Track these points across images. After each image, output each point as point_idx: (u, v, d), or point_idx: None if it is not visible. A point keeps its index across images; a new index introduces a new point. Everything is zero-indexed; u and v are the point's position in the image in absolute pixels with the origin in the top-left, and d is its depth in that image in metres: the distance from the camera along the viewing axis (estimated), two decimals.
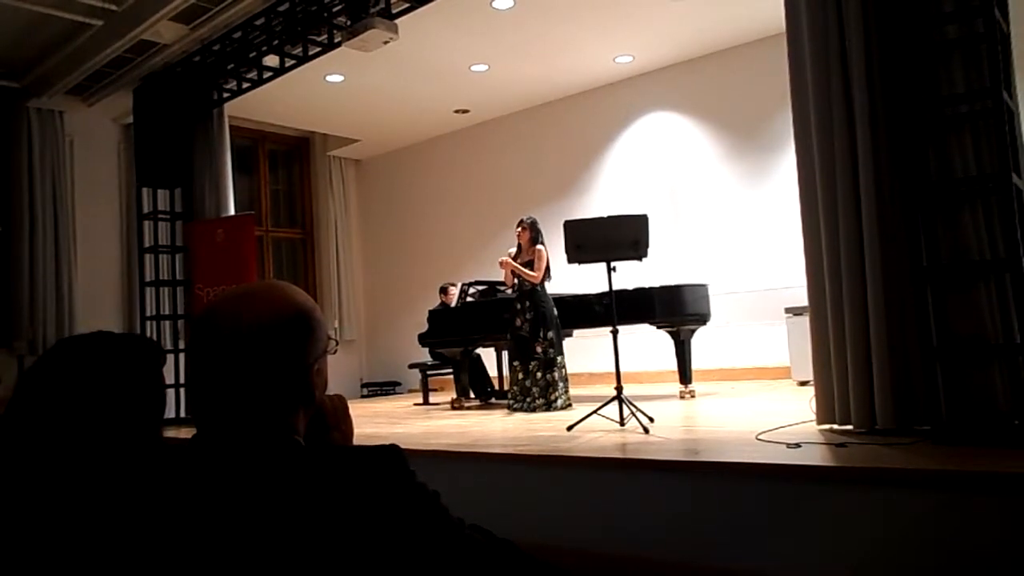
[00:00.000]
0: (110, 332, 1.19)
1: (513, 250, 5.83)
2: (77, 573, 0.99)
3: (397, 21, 5.52)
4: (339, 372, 9.21)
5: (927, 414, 3.01)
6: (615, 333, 4.45)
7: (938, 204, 3.03)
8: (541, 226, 5.81)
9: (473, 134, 9.42)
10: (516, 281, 5.70)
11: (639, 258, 4.47)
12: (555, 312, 5.66)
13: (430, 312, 6.89)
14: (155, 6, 5.71)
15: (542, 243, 5.68)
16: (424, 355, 7.55)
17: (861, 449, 2.89)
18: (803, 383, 5.76)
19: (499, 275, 5.97)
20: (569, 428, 4.12)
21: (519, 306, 5.65)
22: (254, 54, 6.40)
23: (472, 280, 7.02)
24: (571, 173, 8.55)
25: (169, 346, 6.90)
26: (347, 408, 1.16)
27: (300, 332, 1.00)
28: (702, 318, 6.02)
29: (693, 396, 5.75)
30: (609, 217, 4.70)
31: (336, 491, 0.91)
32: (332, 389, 1.12)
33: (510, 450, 3.67)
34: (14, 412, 1.11)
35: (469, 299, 6.78)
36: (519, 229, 5.77)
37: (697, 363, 6.12)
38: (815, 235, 3.44)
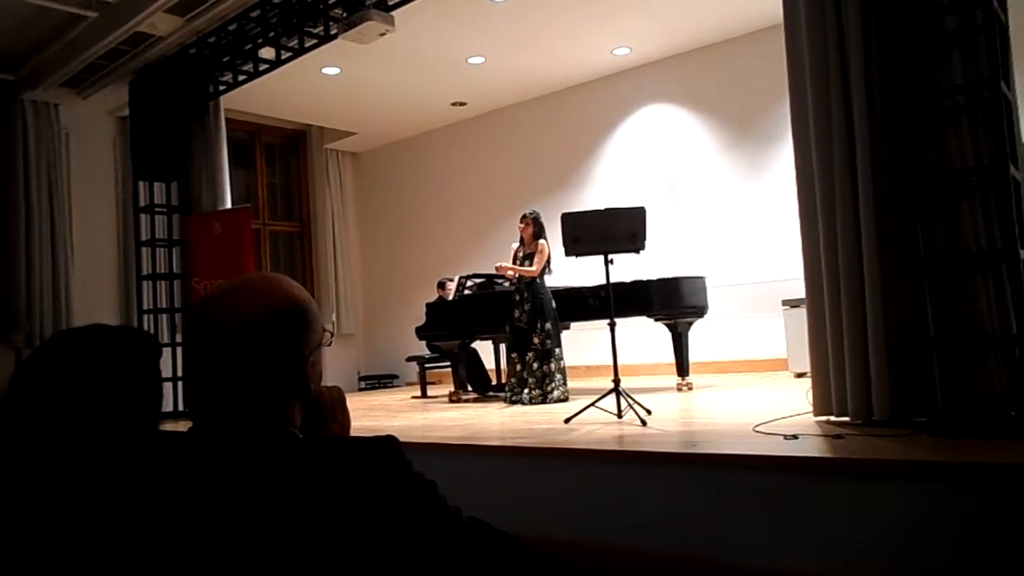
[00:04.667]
0: (106, 325, 1.19)
1: (516, 244, 5.82)
2: (74, 567, 0.99)
3: (393, 13, 5.50)
4: (337, 365, 9.22)
5: (924, 405, 3.01)
6: (612, 326, 4.46)
7: (936, 195, 3.03)
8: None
9: (470, 127, 9.39)
10: (517, 275, 5.71)
11: (636, 251, 4.47)
12: (553, 304, 5.66)
13: (428, 305, 6.89)
14: None
15: (544, 238, 5.67)
16: (422, 348, 7.55)
17: (858, 441, 2.90)
18: (800, 375, 5.78)
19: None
20: (567, 420, 4.13)
21: (518, 298, 5.65)
22: (250, 46, 6.37)
23: (470, 273, 7.02)
24: (568, 166, 8.53)
25: (166, 339, 6.89)
26: (344, 400, 1.16)
27: (295, 325, 1.00)
28: (699, 310, 6.02)
29: (690, 388, 5.76)
30: (606, 210, 4.69)
31: (333, 482, 0.91)
32: (329, 382, 1.12)
33: (508, 442, 3.68)
34: (10, 405, 1.10)
35: (467, 292, 6.78)
36: (522, 224, 5.75)
37: (694, 355, 6.13)
38: (812, 227, 3.44)
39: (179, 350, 6.70)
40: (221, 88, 7.01)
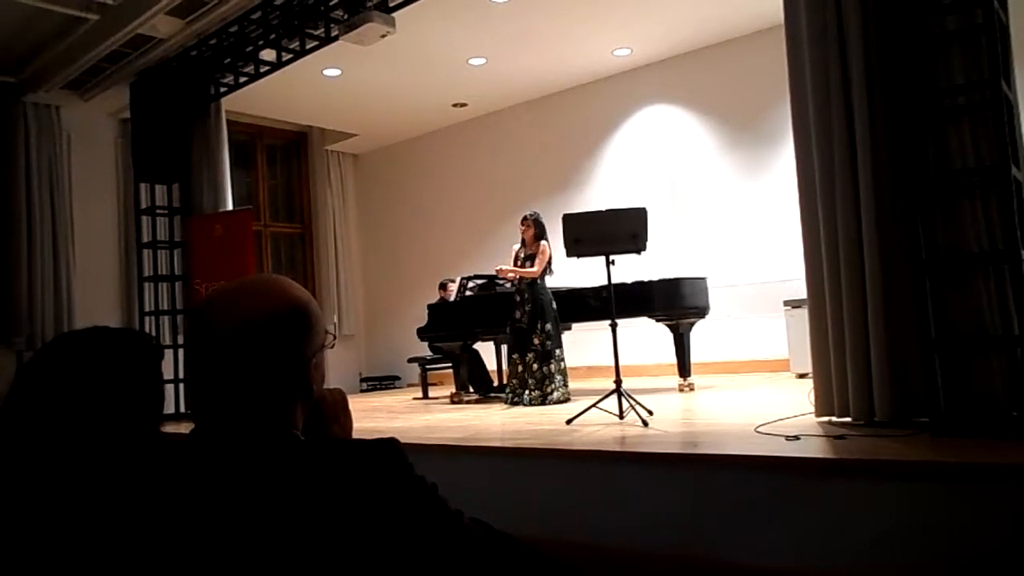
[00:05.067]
0: (107, 327, 1.19)
1: (517, 245, 5.82)
2: (76, 569, 0.99)
3: (394, 15, 5.50)
4: (338, 366, 9.22)
5: (925, 406, 3.01)
6: (614, 326, 4.46)
7: (937, 196, 3.02)
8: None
9: (471, 128, 9.40)
10: (517, 277, 5.71)
11: (638, 251, 4.47)
12: (554, 305, 5.66)
13: (429, 306, 6.89)
14: (151, 0, 5.69)
15: (546, 239, 5.67)
16: (423, 349, 7.55)
17: (860, 441, 2.90)
18: (802, 375, 5.77)
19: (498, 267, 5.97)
20: (568, 421, 4.12)
21: (518, 299, 5.65)
22: (251, 48, 6.38)
23: (471, 274, 7.02)
24: (570, 166, 8.53)
25: (168, 341, 6.90)
26: (346, 402, 1.16)
27: (297, 326, 1.00)
28: (701, 311, 6.02)
29: (692, 389, 5.76)
30: (608, 210, 4.69)
31: (335, 484, 0.91)
32: (331, 383, 1.12)
33: (509, 443, 3.68)
34: (11, 407, 1.10)
35: (468, 293, 6.78)
36: (523, 226, 5.75)
37: (696, 356, 6.12)
38: (814, 227, 3.44)
39: (180, 352, 6.72)
40: (222, 90, 7.02)
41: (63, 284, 7.19)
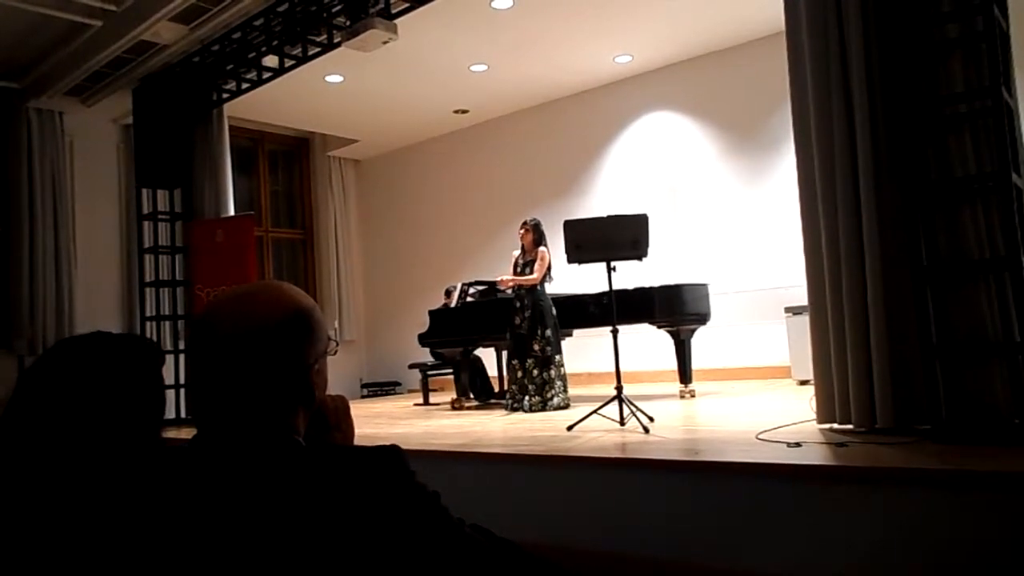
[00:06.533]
0: (109, 332, 1.19)
1: (517, 252, 5.83)
2: (77, 574, 0.99)
3: (396, 21, 5.52)
4: (339, 372, 9.21)
5: (927, 413, 3.01)
6: (615, 333, 4.45)
7: (938, 203, 3.03)
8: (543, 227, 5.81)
9: (472, 134, 9.41)
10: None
11: (639, 258, 4.47)
12: (554, 311, 5.66)
13: (430, 312, 6.89)
14: (154, 6, 5.71)
15: (545, 245, 5.68)
16: (424, 355, 7.55)
17: (861, 448, 2.89)
18: (803, 382, 5.76)
19: (498, 274, 5.97)
20: (569, 428, 4.12)
21: (518, 305, 5.66)
22: (253, 54, 6.39)
23: (472, 280, 7.03)
24: (571, 173, 8.54)
25: (169, 346, 6.91)
26: (348, 408, 1.16)
27: (300, 332, 1.00)
28: (702, 317, 6.01)
29: (693, 396, 5.75)
30: (609, 217, 4.70)
31: (336, 491, 0.91)
32: (332, 389, 1.12)
33: (510, 450, 3.67)
34: (13, 412, 1.11)
35: (469, 299, 6.78)
36: (522, 231, 5.76)
37: (697, 362, 6.11)
38: (815, 234, 3.44)
39: (181, 357, 6.72)
40: (224, 96, 7.04)
41: (65, 289, 7.20)
